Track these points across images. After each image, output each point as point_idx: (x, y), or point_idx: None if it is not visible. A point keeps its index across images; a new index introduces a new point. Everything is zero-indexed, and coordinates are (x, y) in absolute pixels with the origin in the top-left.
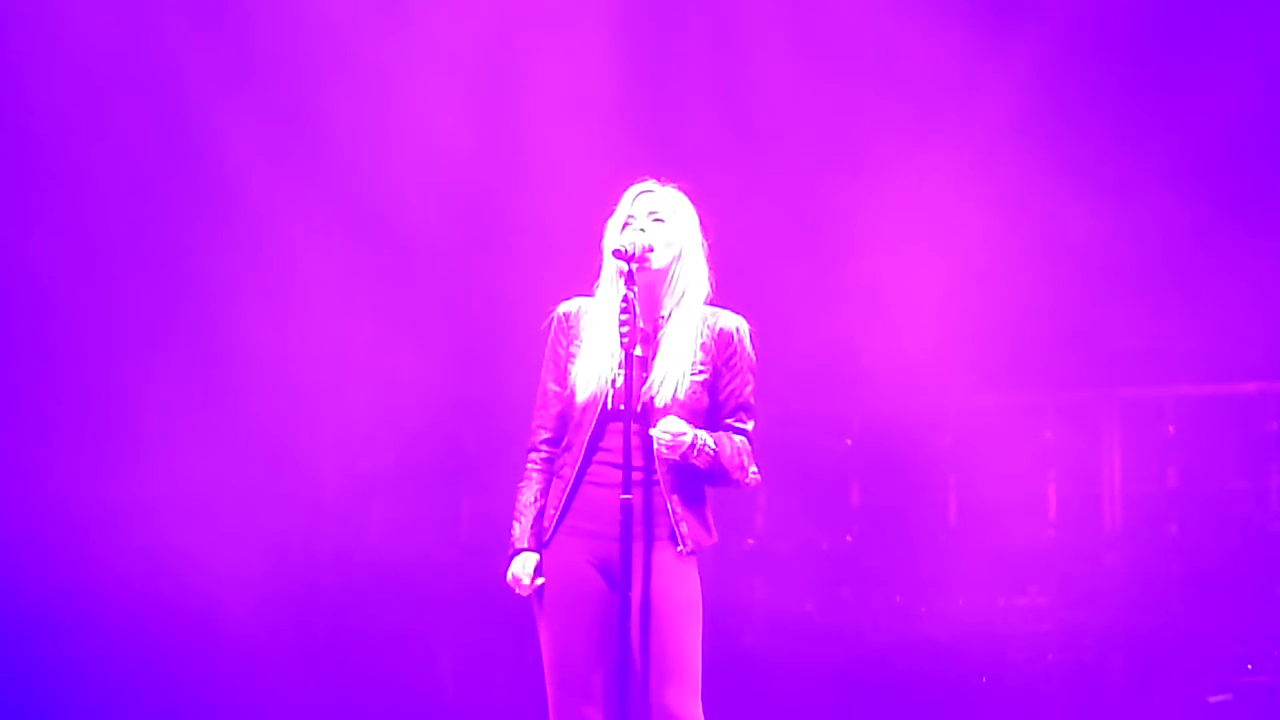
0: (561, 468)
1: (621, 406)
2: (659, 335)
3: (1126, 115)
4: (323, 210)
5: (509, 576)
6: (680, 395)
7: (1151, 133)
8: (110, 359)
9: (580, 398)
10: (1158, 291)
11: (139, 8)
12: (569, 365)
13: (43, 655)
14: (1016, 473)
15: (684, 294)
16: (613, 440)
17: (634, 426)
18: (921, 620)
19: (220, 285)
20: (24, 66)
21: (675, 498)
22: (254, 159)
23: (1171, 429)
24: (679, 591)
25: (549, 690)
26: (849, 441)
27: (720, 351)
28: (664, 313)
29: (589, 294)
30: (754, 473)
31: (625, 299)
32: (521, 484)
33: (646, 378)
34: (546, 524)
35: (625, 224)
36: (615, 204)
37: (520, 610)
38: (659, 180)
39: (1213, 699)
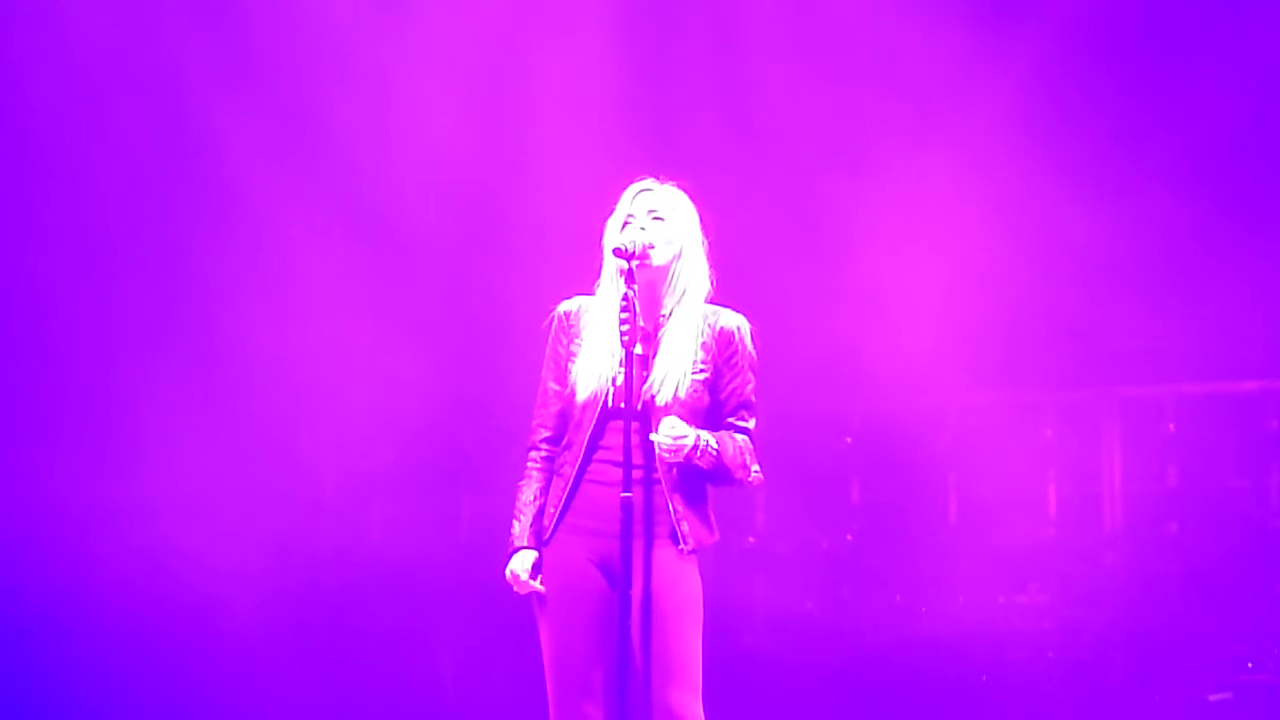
0: (562, 466)
1: (622, 405)
2: (660, 334)
3: (1126, 115)
4: (323, 210)
5: (508, 573)
6: (681, 394)
7: (1151, 133)
8: (110, 359)
9: (581, 396)
10: (1158, 291)
11: (139, 8)
12: (569, 364)
13: (43, 655)
14: (1016, 471)
15: (684, 292)
16: (613, 439)
17: (634, 425)
18: (922, 619)
19: (220, 285)
20: (24, 66)
21: (676, 496)
22: (254, 159)
23: (1171, 428)
24: (680, 590)
25: (549, 688)
26: (849, 440)
27: (721, 350)
28: (665, 311)
29: (589, 293)
30: (756, 471)
31: (626, 297)
32: (521, 482)
33: (647, 376)
34: (547, 522)
35: (625, 222)
36: (615, 203)
37: (520, 609)
38: (658, 179)
39: (1213, 697)
